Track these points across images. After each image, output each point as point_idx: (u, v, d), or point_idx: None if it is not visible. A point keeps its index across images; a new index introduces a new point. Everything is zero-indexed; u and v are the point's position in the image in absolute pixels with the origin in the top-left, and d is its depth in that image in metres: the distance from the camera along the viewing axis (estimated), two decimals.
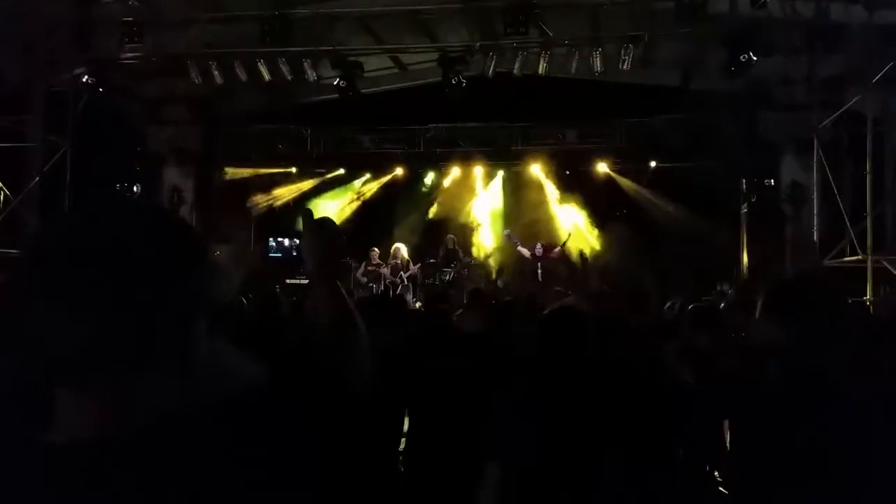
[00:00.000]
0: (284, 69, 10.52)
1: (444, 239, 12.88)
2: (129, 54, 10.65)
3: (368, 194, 14.39)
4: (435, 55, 10.75)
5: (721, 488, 2.99)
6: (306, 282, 10.07)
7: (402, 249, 12.32)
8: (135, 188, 12.09)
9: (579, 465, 2.37)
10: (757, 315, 2.00)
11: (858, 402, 1.81)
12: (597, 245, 13.40)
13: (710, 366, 3.22)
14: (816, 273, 9.12)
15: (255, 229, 13.76)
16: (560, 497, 2.37)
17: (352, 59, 10.63)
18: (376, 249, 12.14)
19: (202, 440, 0.89)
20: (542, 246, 12.23)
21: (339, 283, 1.37)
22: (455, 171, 14.10)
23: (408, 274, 11.91)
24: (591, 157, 13.36)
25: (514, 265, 12.82)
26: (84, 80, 10.71)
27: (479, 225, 14.17)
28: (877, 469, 1.72)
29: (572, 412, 2.40)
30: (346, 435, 1.12)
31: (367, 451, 2.82)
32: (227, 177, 13.69)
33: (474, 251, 13.56)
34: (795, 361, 1.88)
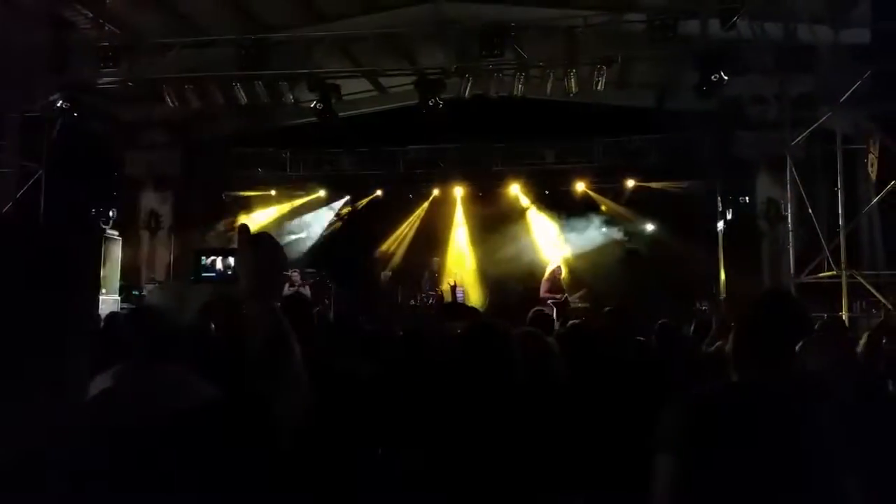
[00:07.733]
0: (262, 93, 10.53)
1: (426, 261, 12.84)
2: (105, 79, 10.61)
3: (348, 216, 14.35)
4: (413, 78, 10.81)
5: None
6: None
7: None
8: (111, 213, 11.97)
9: None
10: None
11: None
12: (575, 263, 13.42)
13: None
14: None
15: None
16: None
17: (329, 81, 10.65)
18: None
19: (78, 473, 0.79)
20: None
21: (275, 303, 1.24)
22: (435, 192, 14.13)
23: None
24: (569, 177, 13.46)
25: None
26: (59, 105, 10.63)
27: (459, 246, 14.14)
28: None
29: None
30: (281, 466, 1.01)
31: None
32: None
33: (454, 274, 13.46)
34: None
